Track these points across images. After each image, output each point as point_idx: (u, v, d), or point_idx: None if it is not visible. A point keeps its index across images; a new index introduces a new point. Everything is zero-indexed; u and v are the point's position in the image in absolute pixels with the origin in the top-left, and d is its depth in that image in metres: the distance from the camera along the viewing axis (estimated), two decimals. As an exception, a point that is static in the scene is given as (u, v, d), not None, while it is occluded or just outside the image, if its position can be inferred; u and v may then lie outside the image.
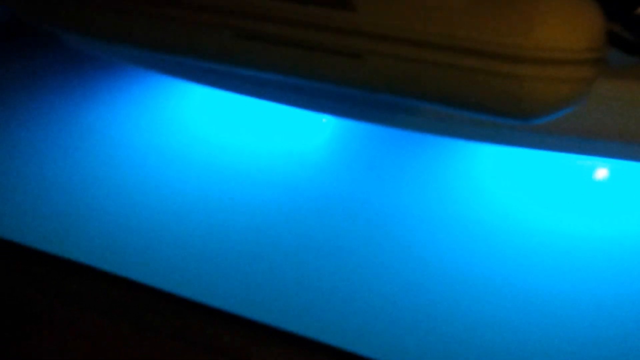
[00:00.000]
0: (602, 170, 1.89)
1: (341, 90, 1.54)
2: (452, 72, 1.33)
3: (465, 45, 1.30)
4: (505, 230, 1.75)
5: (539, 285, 1.59)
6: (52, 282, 1.62)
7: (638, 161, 1.62)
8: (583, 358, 1.42)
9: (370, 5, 1.36)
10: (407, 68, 1.36)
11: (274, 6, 1.41)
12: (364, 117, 1.79)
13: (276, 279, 1.61)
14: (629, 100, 1.53)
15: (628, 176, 1.88)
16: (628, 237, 1.71)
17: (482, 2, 1.29)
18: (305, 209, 1.82)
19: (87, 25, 1.64)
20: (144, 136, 2.12)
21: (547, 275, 1.61)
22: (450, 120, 1.66)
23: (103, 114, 2.22)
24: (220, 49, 1.52)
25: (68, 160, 2.01)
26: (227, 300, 1.54)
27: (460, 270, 1.63)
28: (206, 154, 2.05)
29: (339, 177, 1.94)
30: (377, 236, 1.73)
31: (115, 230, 1.76)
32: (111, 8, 1.57)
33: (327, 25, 1.38)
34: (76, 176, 1.95)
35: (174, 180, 1.94)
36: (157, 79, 2.20)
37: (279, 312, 1.52)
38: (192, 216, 1.81)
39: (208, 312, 1.52)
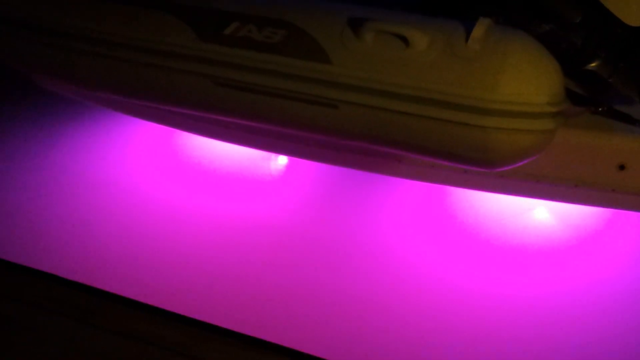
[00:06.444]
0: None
1: (315, 135, 1.60)
2: (422, 122, 1.39)
3: (434, 97, 1.36)
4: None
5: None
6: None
7: (590, 205, 1.71)
8: None
9: (344, 58, 1.42)
10: (380, 117, 1.42)
11: (256, 57, 1.46)
12: (332, 160, 1.86)
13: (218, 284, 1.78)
14: (577, 145, 1.63)
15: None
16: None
17: (451, 58, 1.36)
18: (255, 231, 1.98)
19: (77, 75, 1.67)
20: (101, 168, 2.25)
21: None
22: (417, 165, 1.73)
23: (71, 149, 2.32)
24: (203, 97, 1.56)
25: (40, 188, 2.16)
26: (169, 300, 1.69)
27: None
28: (162, 189, 2.14)
29: (294, 208, 2.08)
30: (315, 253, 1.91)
31: (77, 243, 1.92)
32: (96, 56, 1.60)
33: (305, 76, 1.44)
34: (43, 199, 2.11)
35: (134, 203, 2.09)
36: (126, 119, 2.25)
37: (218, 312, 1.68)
38: (147, 229, 1.97)
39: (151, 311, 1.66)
